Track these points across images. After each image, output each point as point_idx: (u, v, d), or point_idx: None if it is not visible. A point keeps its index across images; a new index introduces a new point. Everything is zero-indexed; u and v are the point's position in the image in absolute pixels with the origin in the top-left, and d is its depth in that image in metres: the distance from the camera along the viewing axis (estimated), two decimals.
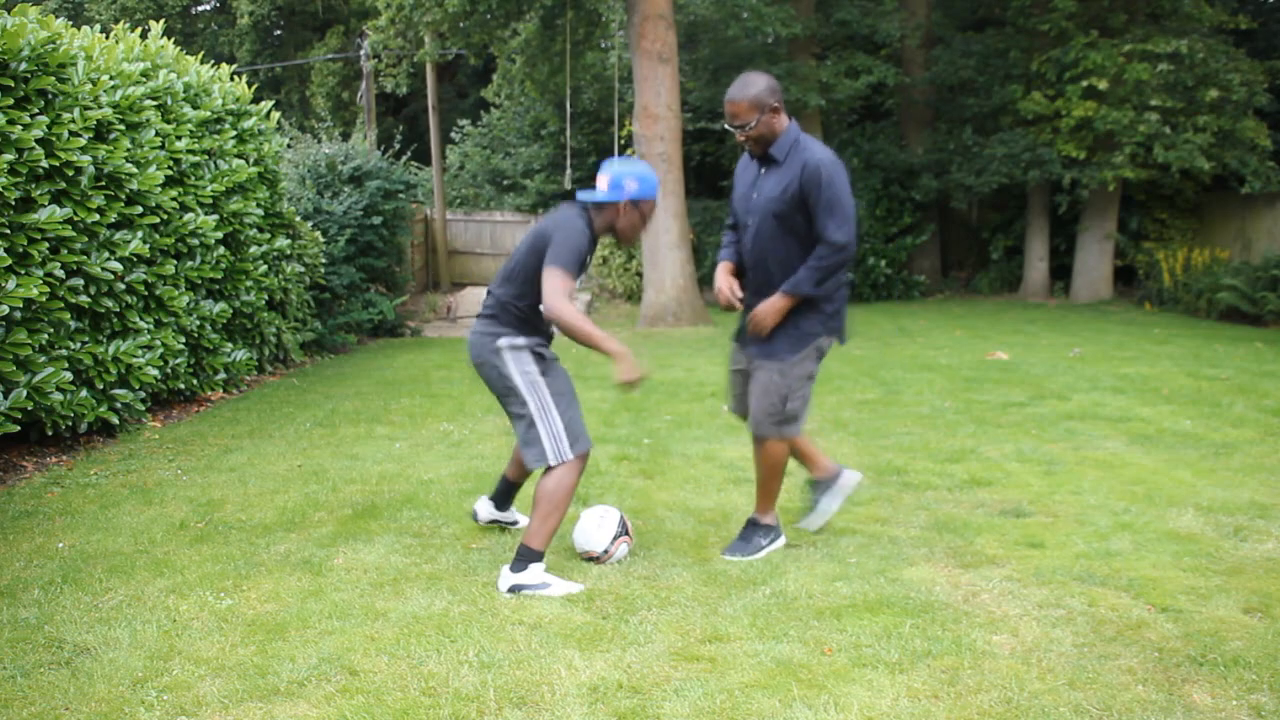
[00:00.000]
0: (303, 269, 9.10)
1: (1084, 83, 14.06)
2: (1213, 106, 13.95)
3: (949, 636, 3.03)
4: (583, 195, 3.59)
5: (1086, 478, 4.92)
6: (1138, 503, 4.46)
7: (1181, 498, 4.52)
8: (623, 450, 5.57)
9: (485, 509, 4.13)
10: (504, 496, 4.10)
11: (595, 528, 3.75)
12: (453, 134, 22.62)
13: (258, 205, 7.80)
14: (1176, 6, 14.27)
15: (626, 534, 3.78)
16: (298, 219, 9.31)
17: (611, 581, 3.53)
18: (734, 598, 3.38)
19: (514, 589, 3.42)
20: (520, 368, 3.56)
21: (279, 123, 8.68)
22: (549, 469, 3.50)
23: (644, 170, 3.56)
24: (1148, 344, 10.28)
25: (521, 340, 3.58)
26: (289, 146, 11.87)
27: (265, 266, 8.00)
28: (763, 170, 3.69)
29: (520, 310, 3.56)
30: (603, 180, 3.53)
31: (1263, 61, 14.58)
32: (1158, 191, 15.68)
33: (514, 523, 4.15)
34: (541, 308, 3.42)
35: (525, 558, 3.45)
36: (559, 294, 3.33)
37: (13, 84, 4.95)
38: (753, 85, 3.56)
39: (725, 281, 3.77)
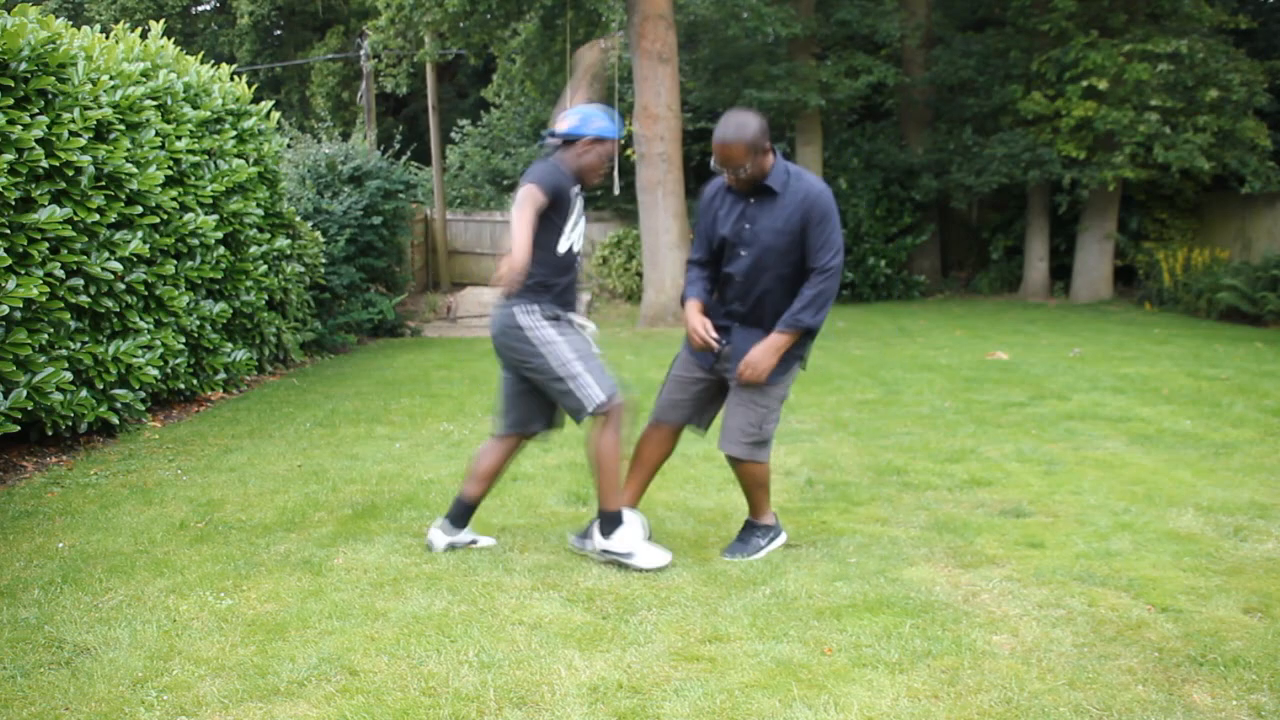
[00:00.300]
0: (303, 269, 9.10)
1: (1084, 83, 14.06)
2: (1213, 106, 13.95)
3: (949, 636, 3.03)
4: (546, 134, 3.67)
5: (1086, 478, 4.92)
6: (1138, 503, 4.46)
7: (1181, 498, 4.52)
8: (622, 450, 5.56)
9: (439, 539, 3.85)
10: (461, 515, 3.86)
11: None
12: (453, 134, 22.61)
13: (258, 205, 7.80)
14: (1176, 6, 14.26)
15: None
16: (298, 219, 9.31)
17: (611, 581, 3.53)
18: (734, 598, 3.38)
19: (604, 553, 3.59)
20: (536, 333, 3.57)
21: (279, 123, 8.68)
22: (594, 428, 3.61)
23: (607, 112, 3.66)
24: (1148, 344, 10.28)
25: (535, 307, 3.59)
26: (289, 146, 11.87)
27: (265, 266, 8.00)
28: (751, 201, 3.62)
29: (531, 278, 3.55)
30: (567, 119, 3.62)
31: (1263, 61, 14.58)
32: (1158, 191, 15.68)
33: (472, 542, 3.90)
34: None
35: (610, 522, 3.58)
36: (518, 203, 3.40)
37: (13, 84, 4.95)
38: (748, 128, 3.47)
39: (699, 321, 3.67)
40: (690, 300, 3.77)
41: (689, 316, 3.72)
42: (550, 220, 3.54)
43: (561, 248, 3.61)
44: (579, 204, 3.67)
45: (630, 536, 3.58)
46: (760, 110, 15.79)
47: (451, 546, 3.85)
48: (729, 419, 3.71)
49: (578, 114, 3.65)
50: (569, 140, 3.62)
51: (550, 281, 3.61)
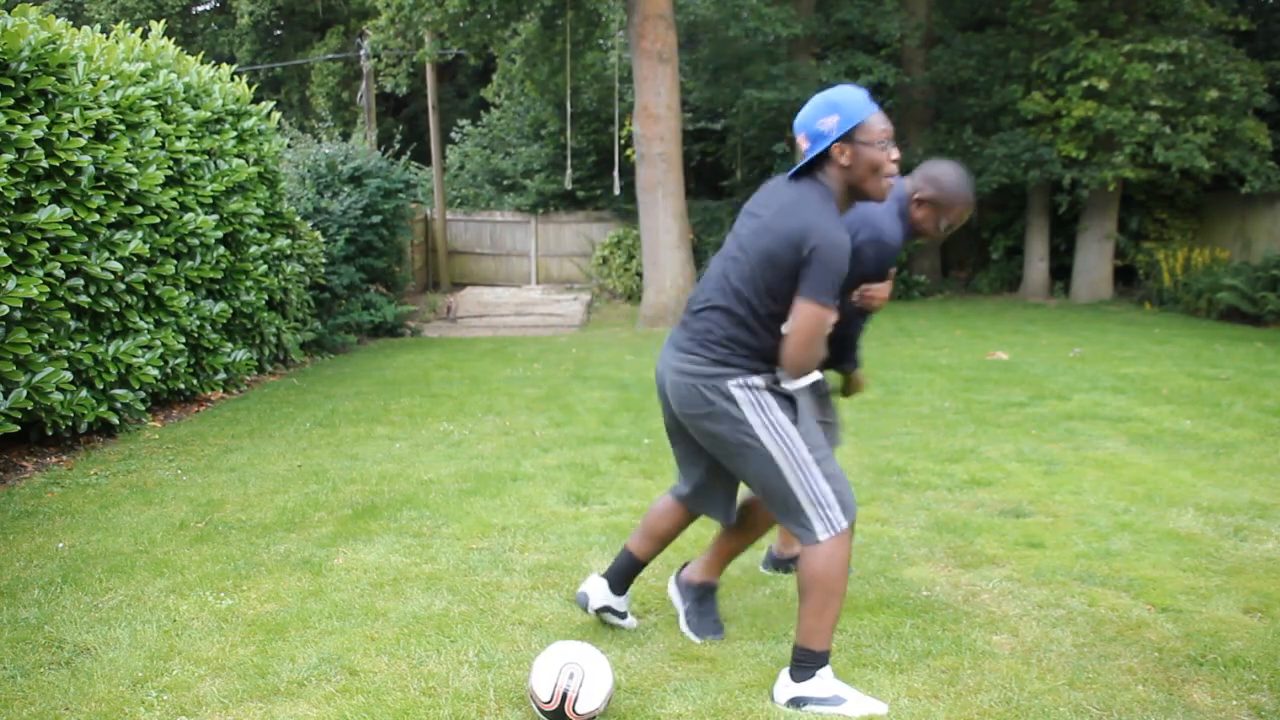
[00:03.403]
0: (303, 269, 9.10)
1: (1084, 83, 14.06)
2: (1213, 106, 13.95)
3: (949, 636, 3.03)
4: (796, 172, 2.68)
5: (1086, 478, 4.92)
6: (1138, 503, 4.46)
7: (1181, 498, 4.52)
8: (623, 450, 5.57)
9: (598, 591, 3.08)
10: (624, 576, 3.09)
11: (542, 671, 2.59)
12: (453, 134, 22.61)
13: (258, 205, 7.80)
14: (1176, 6, 14.27)
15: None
16: (298, 219, 9.31)
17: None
18: (734, 598, 3.38)
19: (796, 701, 2.62)
20: (762, 417, 2.64)
21: (279, 123, 8.68)
22: (812, 546, 2.63)
23: (835, 96, 2.63)
24: (1148, 344, 10.28)
25: (758, 379, 2.66)
26: (289, 146, 11.87)
27: (265, 266, 8.00)
28: None
29: (753, 342, 2.64)
30: (801, 137, 2.66)
31: (1263, 61, 14.58)
32: (1158, 191, 15.68)
33: (623, 615, 3.11)
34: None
35: (807, 663, 2.63)
36: (806, 341, 2.54)
37: (13, 84, 4.95)
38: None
39: None
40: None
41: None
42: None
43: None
44: None
45: (830, 680, 2.65)
46: (760, 110, 15.88)
47: (602, 612, 3.09)
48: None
49: (805, 121, 2.65)
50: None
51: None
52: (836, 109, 2.58)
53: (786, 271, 2.53)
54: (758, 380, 2.64)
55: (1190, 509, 4.34)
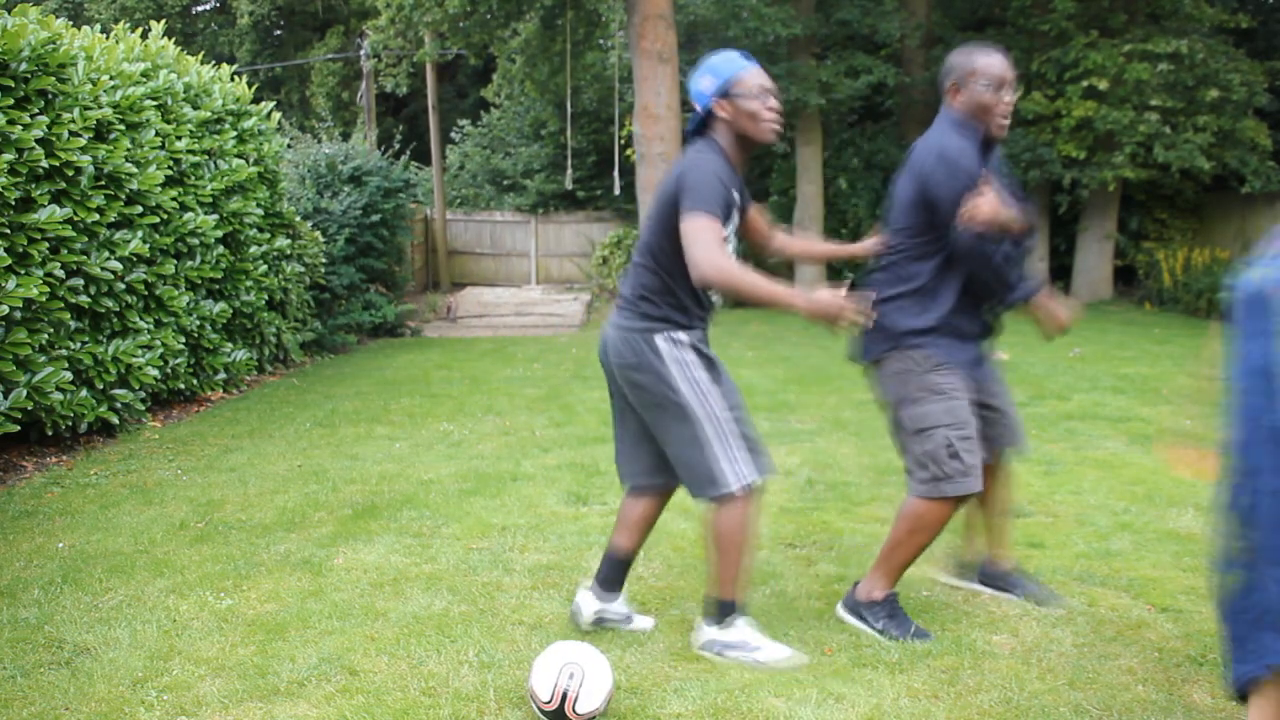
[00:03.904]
0: (303, 269, 9.10)
1: (1084, 83, 14.06)
2: (1213, 106, 13.95)
3: (949, 636, 3.03)
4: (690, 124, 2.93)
5: (1086, 478, 4.92)
6: (1138, 503, 4.46)
7: (1181, 498, 4.52)
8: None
9: (587, 602, 3.11)
10: (613, 577, 3.13)
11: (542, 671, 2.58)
12: (453, 134, 22.62)
13: (258, 205, 7.80)
14: (1176, 6, 14.27)
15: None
16: (298, 219, 9.31)
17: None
18: None
19: (710, 645, 2.87)
20: (685, 372, 2.83)
21: (279, 123, 8.68)
22: (721, 502, 2.81)
23: (711, 61, 2.88)
24: (1148, 344, 10.28)
25: (683, 335, 2.85)
26: (289, 146, 11.87)
27: (265, 266, 8.00)
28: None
29: (668, 290, 2.84)
30: (695, 105, 2.91)
31: (1263, 61, 14.58)
32: (1158, 191, 15.68)
33: (626, 618, 3.13)
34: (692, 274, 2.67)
35: (721, 613, 2.87)
36: (703, 245, 2.62)
37: (13, 84, 4.95)
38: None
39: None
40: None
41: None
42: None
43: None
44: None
45: (745, 628, 2.89)
46: None
47: (600, 620, 3.11)
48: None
49: (692, 83, 2.90)
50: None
51: (701, 308, 2.91)
52: (711, 70, 2.85)
53: (671, 209, 2.76)
54: (682, 336, 2.84)
55: (1190, 509, 4.34)
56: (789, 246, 3.40)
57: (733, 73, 2.81)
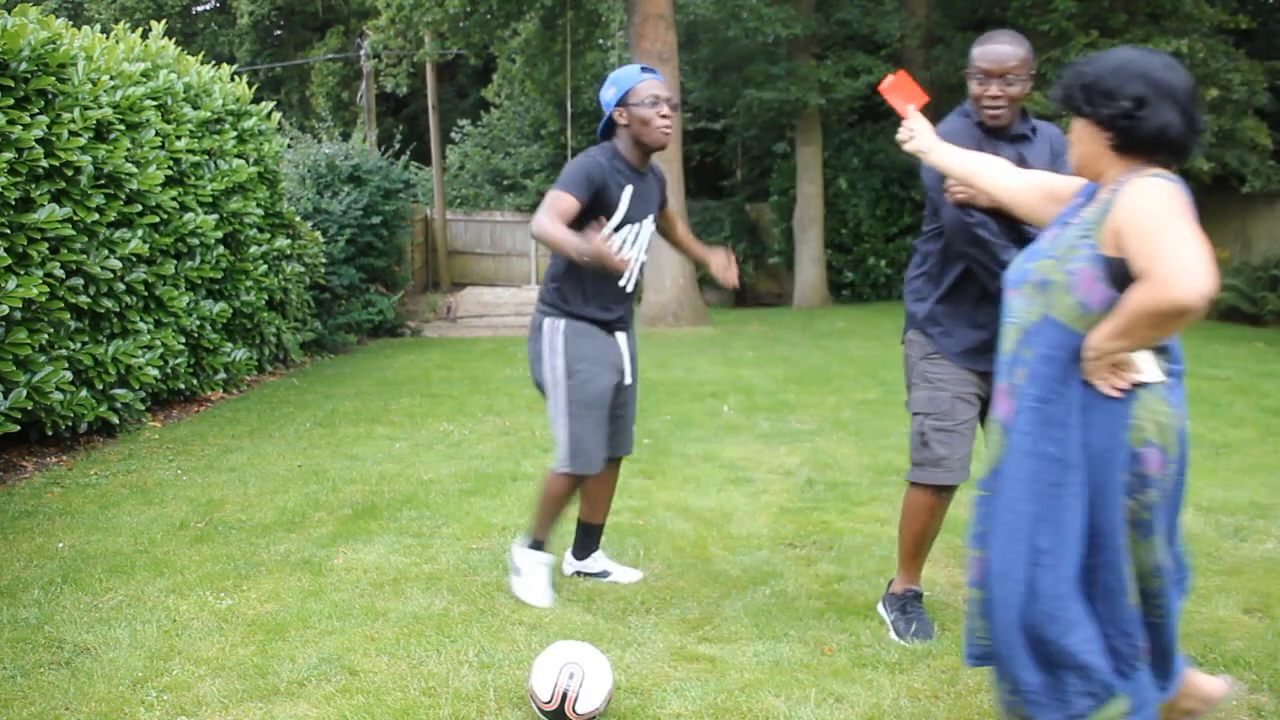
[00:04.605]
0: (303, 269, 9.10)
1: None
2: (1213, 106, 13.93)
3: (949, 636, 3.03)
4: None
5: None
6: None
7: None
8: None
9: (568, 563, 3.63)
10: (584, 543, 3.60)
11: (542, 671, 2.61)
12: (453, 134, 22.62)
13: (258, 205, 7.80)
14: (1176, 6, 14.26)
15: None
16: (298, 219, 9.31)
17: (611, 581, 3.53)
18: (734, 598, 3.38)
19: (510, 557, 3.45)
20: (551, 359, 3.24)
21: (279, 123, 8.67)
22: (552, 470, 3.33)
23: (615, 73, 3.25)
24: None
25: (561, 322, 3.24)
26: (289, 146, 11.87)
27: (265, 266, 8.00)
28: (1010, 144, 2.96)
29: (565, 279, 3.23)
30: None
31: (1263, 61, 14.57)
32: None
33: (605, 573, 3.57)
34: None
35: (529, 540, 3.37)
36: (542, 210, 3.02)
37: (13, 84, 4.95)
38: (1024, 41, 2.95)
39: None
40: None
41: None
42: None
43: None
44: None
45: (532, 559, 3.34)
46: (760, 110, 15.88)
47: (578, 574, 3.59)
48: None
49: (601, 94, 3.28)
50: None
51: (596, 299, 3.25)
52: (614, 82, 3.20)
53: None
54: (561, 323, 3.23)
55: (1190, 509, 4.33)
56: (681, 240, 3.69)
57: (631, 84, 3.14)
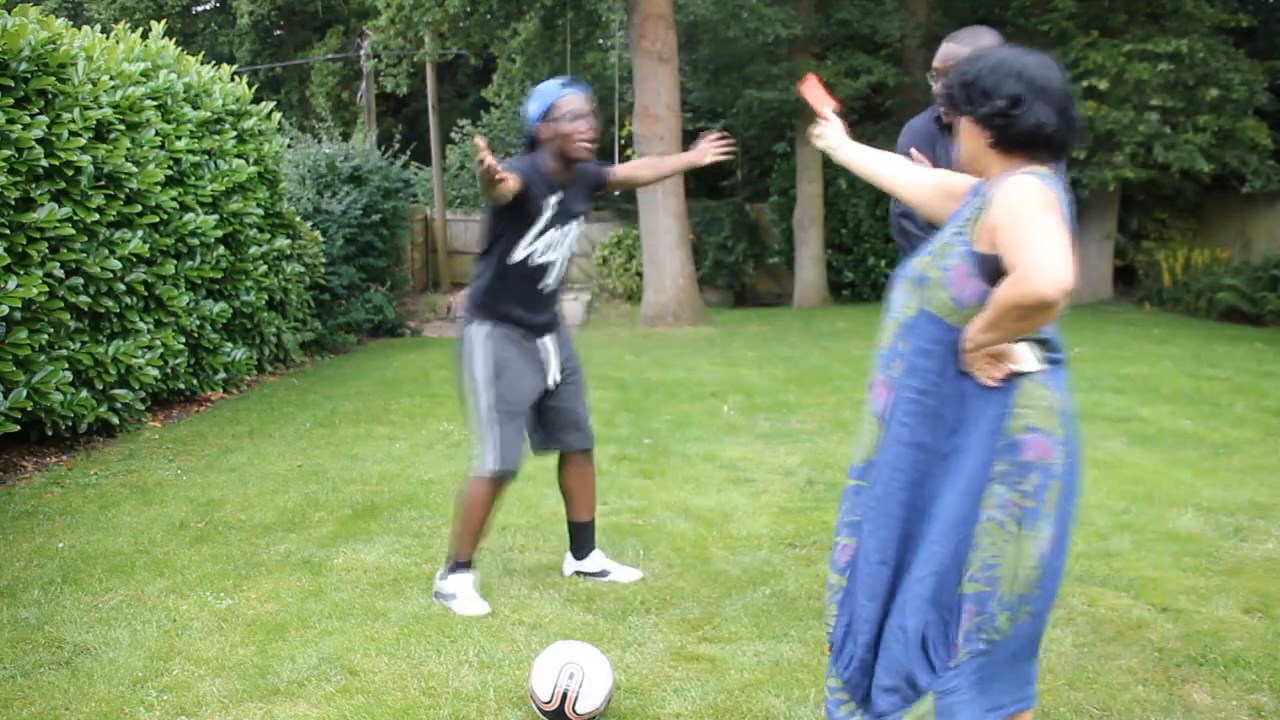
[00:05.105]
0: (303, 269, 9.10)
1: (1084, 83, 14.04)
2: (1213, 106, 13.94)
3: None
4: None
5: (1087, 478, 4.88)
6: (1138, 503, 4.46)
7: (1181, 498, 4.51)
8: (622, 450, 5.57)
9: (567, 563, 3.66)
10: (578, 542, 3.62)
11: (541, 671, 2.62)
12: (453, 134, 22.61)
13: (258, 205, 7.80)
14: (1177, 6, 14.26)
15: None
16: (298, 219, 9.31)
17: (611, 581, 3.53)
18: (734, 598, 3.38)
19: (436, 594, 3.35)
20: (472, 364, 3.34)
21: (279, 123, 8.67)
22: (474, 474, 3.32)
23: (538, 88, 3.32)
24: (1148, 344, 10.27)
25: (485, 328, 3.34)
26: (289, 146, 11.87)
27: (265, 266, 7.99)
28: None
29: (480, 288, 3.35)
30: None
31: (1263, 61, 14.57)
32: (1158, 191, 15.66)
33: (604, 573, 3.58)
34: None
35: (451, 566, 3.34)
36: None
37: (13, 84, 4.95)
38: (988, 36, 2.99)
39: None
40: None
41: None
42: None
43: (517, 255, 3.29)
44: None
45: (457, 581, 3.33)
46: (760, 110, 15.87)
47: (578, 574, 3.60)
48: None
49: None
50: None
51: (516, 307, 3.34)
52: (536, 97, 3.28)
53: (487, 214, 3.32)
54: (484, 329, 3.33)
55: (1190, 509, 4.33)
56: (656, 171, 3.75)
57: (553, 99, 3.23)
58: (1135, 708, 2.61)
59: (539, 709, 2.52)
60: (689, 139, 17.21)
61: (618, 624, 3.15)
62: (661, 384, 8.00)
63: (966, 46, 2.96)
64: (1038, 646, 2.09)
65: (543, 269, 3.31)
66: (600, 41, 17.67)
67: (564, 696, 2.49)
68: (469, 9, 14.34)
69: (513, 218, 3.22)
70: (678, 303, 13.32)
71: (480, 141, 2.85)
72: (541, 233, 3.27)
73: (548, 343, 3.41)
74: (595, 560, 3.60)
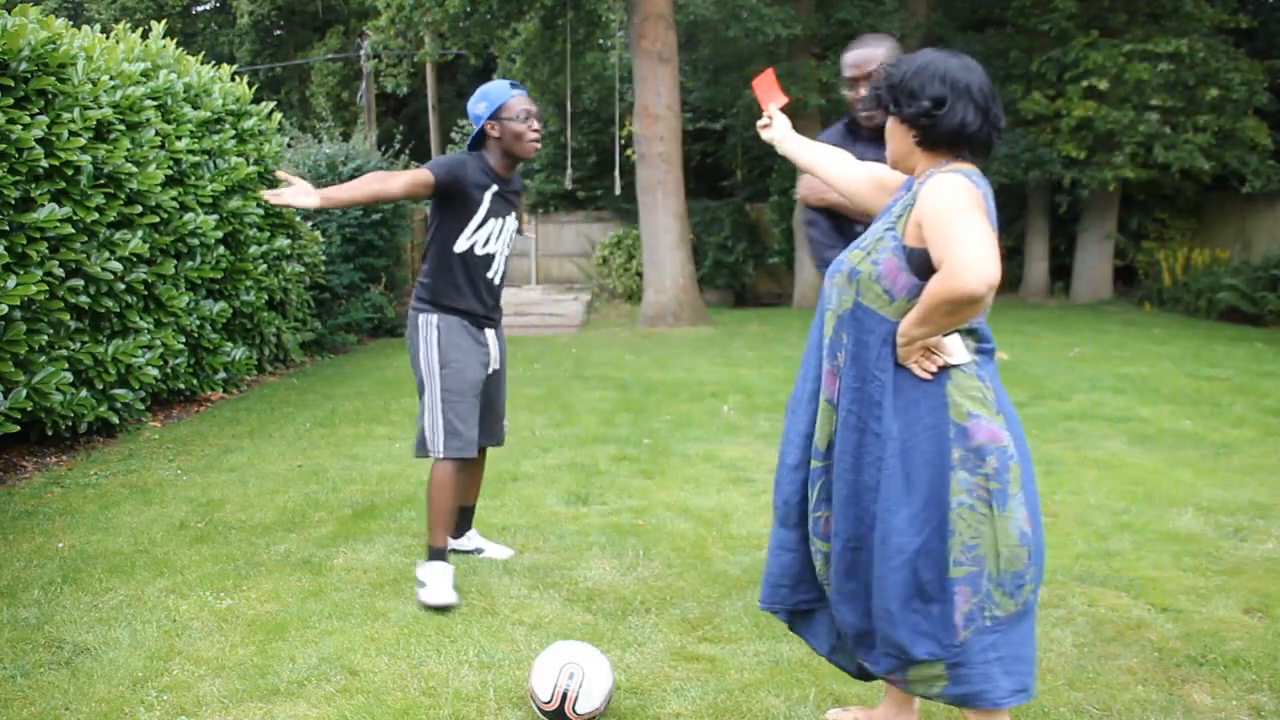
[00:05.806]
0: (302, 269, 9.10)
1: (1084, 83, 14.05)
2: (1213, 106, 13.94)
3: None
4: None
5: (1086, 478, 4.92)
6: (1138, 503, 4.46)
7: (1181, 498, 4.52)
8: (622, 450, 5.57)
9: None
10: (456, 523, 3.83)
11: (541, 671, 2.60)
12: (453, 134, 22.61)
13: (258, 205, 7.80)
14: (1177, 6, 14.26)
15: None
16: (297, 219, 9.30)
17: (611, 582, 3.53)
18: (734, 598, 3.38)
19: (419, 583, 3.41)
20: (426, 352, 3.46)
21: (279, 123, 8.67)
22: (433, 465, 3.45)
23: (484, 88, 3.43)
24: (1148, 344, 10.28)
25: (435, 317, 3.46)
26: (289, 146, 11.86)
27: (265, 266, 7.99)
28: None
29: (429, 278, 3.47)
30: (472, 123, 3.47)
31: (1263, 61, 14.57)
32: (1158, 191, 15.67)
33: (478, 550, 3.85)
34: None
35: (429, 553, 3.45)
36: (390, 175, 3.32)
37: (13, 84, 4.95)
38: (888, 40, 3.13)
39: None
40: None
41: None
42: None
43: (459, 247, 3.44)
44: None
45: (431, 569, 3.40)
46: (760, 110, 15.88)
47: (454, 551, 3.80)
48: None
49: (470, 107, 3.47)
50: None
51: (464, 295, 3.47)
52: (485, 97, 3.40)
53: (434, 206, 3.42)
54: (434, 318, 3.44)
55: (1190, 509, 4.34)
56: None
57: (503, 99, 3.37)
58: (1135, 708, 2.61)
59: (539, 709, 2.53)
60: (689, 139, 17.22)
61: (618, 624, 3.15)
62: (661, 384, 8.00)
63: (881, 48, 3.10)
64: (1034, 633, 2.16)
65: (487, 260, 3.47)
66: (600, 41, 17.67)
67: (564, 696, 2.49)
68: (469, 9, 14.34)
69: (450, 208, 3.39)
70: (678, 303, 13.32)
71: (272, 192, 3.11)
72: (481, 224, 3.43)
73: (491, 335, 3.57)
74: (471, 539, 3.85)
